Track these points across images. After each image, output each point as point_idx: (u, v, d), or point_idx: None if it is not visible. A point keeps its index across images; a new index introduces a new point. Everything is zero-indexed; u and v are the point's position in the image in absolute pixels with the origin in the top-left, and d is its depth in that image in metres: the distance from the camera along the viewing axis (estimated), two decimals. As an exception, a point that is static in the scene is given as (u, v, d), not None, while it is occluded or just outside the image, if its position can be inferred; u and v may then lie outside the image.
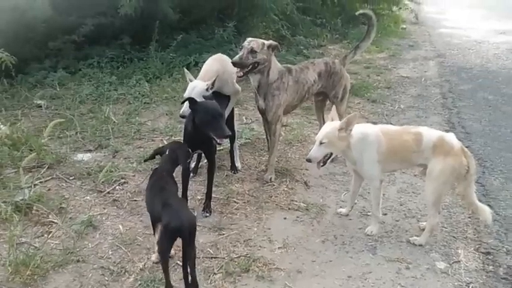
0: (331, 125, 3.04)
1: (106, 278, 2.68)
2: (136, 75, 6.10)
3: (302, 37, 8.43)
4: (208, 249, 2.96)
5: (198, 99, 3.17)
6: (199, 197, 3.55)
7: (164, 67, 6.43)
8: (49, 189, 3.57)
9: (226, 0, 7.71)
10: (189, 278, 2.45)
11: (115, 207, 3.40)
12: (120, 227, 3.17)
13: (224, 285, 2.66)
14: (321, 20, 9.60)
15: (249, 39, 3.63)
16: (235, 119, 4.12)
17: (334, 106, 3.79)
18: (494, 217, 3.21)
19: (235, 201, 3.54)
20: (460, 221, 3.40)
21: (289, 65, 4.00)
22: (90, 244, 2.97)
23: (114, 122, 4.82)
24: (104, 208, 3.38)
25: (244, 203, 3.53)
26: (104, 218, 3.26)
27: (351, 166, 3.24)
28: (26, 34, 5.89)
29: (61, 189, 3.61)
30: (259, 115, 4.11)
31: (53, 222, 3.14)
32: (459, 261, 2.94)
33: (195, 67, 6.10)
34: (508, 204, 3.62)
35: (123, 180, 3.73)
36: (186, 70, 3.69)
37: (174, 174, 2.91)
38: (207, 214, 3.33)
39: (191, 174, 3.69)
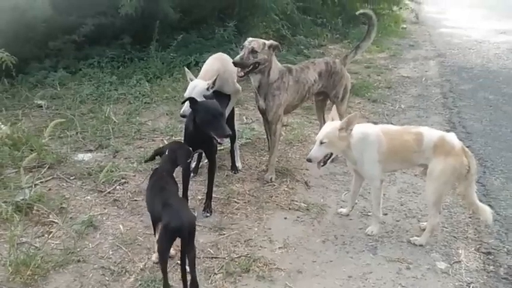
0: (332, 124, 3.04)
1: (106, 278, 2.68)
2: (136, 75, 6.10)
3: (302, 37, 8.43)
4: (209, 249, 2.96)
5: (198, 99, 3.17)
6: (199, 197, 3.55)
7: (165, 67, 6.42)
8: (50, 189, 3.57)
9: (226, 0, 7.70)
10: (189, 278, 2.45)
11: (115, 207, 3.40)
12: (121, 227, 3.17)
13: (225, 285, 2.66)
14: (322, 20, 9.59)
15: (250, 39, 3.63)
16: (235, 118, 4.12)
17: (334, 106, 3.80)
18: (494, 217, 3.20)
19: (235, 201, 3.54)
20: (460, 221, 3.40)
21: (289, 65, 3.99)
22: (90, 244, 2.97)
23: (115, 121, 4.82)
24: (105, 208, 3.38)
25: (244, 203, 3.53)
26: (104, 218, 3.27)
27: (352, 166, 3.24)
28: (27, 34, 5.89)
29: (62, 189, 3.61)
30: (260, 115, 4.11)
31: (54, 222, 3.14)
32: (460, 261, 2.94)
33: (195, 67, 6.10)
34: (508, 204, 3.61)
35: (123, 180, 3.73)
36: (186, 69, 3.69)
37: (174, 174, 2.91)
38: (208, 214, 3.33)
39: (192, 174, 3.69)
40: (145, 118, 5.06)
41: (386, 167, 3.13)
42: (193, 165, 3.79)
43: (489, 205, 3.23)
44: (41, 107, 5.18)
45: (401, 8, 12.73)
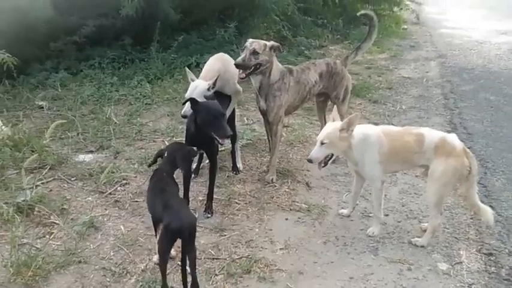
0: (333, 125, 3.03)
1: (107, 279, 2.68)
2: (137, 76, 6.11)
3: (303, 38, 8.44)
4: (210, 250, 2.96)
5: (199, 99, 3.17)
6: (200, 198, 3.55)
7: (165, 68, 6.43)
8: (51, 190, 3.58)
9: (227, 1, 7.71)
10: (190, 279, 2.45)
11: (116, 208, 3.40)
12: (122, 228, 3.17)
13: (225, 286, 2.65)
14: (322, 21, 9.60)
15: (251, 40, 3.63)
16: (236, 119, 4.12)
17: (335, 107, 3.79)
18: (496, 218, 3.19)
19: (236, 202, 3.54)
20: (462, 222, 3.39)
21: (290, 66, 3.99)
22: (91, 245, 2.97)
23: (116, 123, 4.83)
24: (106, 209, 3.38)
25: (245, 204, 3.53)
26: (105, 219, 3.27)
27: (353, 167, 3.23)
28: (28, 35, 5.89)
29: (63, 190, 3.61)
30: (261, 116, 4.11)
31: (55, 223, 3.14)
32: (461, 263, 2.94)
33: (196, 68, 6.09)
34: (510, 205, 3.61)
35: (124, 181, 3.73)
36: (187, 70, 3.69)
37: (175, 175, 2.91)
38: (209, 215, 3.33)
39: (192, 175, 3.69)
40: (146, 119, 5.06)
41: (387, 168, 3.12)
42: (194, 166, 3.79)
43: (490, 206, 3.22)
44: (42, 108, 5.18)
45: (402, 8, 12.73)
